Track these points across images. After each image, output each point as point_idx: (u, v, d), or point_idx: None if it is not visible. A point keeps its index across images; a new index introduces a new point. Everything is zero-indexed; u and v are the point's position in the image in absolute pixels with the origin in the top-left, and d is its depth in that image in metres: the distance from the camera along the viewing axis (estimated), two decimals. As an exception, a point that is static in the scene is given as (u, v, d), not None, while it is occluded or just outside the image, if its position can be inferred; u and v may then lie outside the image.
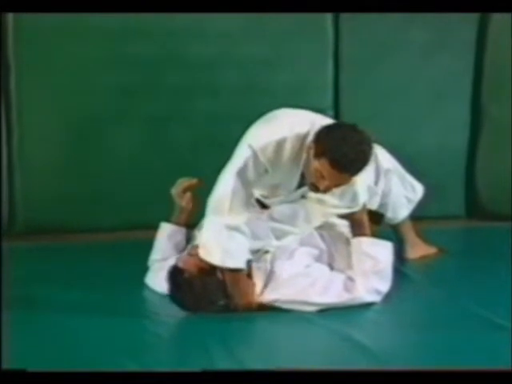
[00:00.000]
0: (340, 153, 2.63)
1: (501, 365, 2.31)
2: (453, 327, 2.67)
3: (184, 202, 3.15)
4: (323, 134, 2.71)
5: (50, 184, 3.81)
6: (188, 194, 3.16)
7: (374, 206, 3.13)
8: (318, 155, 2.68)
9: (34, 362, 2.33)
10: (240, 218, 2.77)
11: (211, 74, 3.84)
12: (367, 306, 2.82)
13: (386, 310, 2.82)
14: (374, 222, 3.05)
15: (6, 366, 2.24)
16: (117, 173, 3.84)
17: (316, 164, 2.68)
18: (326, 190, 2.76)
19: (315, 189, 2.77)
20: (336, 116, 3.81)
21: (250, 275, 2.82)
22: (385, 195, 3.18)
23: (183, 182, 3.18)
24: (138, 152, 3.85)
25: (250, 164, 2.76)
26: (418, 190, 3.32)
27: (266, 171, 2.80)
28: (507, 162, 4.05)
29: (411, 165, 3.29)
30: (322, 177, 2.69)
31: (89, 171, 3.83)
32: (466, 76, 4.07)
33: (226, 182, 2.78)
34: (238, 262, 2.77)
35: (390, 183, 3.18)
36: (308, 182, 2.80)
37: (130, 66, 3.78)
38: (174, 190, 3.18)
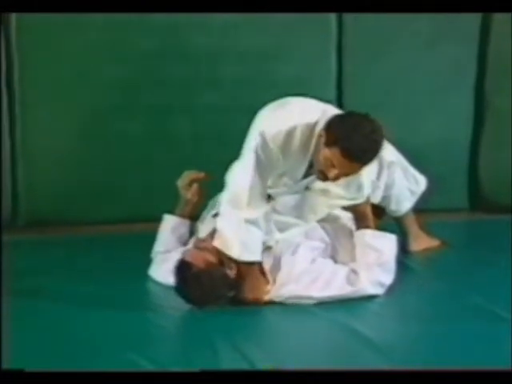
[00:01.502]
0: (352, 142, 2.62)
1: (502, 357, 2.32)
2: (455, 319, 2.68)
3: (190, 194, 3.14)
4: (335, 123, 2.69)
5: (52, 176, 3.80)
6: (195, 186, 3.14)
7: (376, 199, 3.13)
8: (329, 144, 2.66)
9: (35, 354, 2.35)
10: (258, 212, 2.76)
11: (214, 66, 3.83)
12: (370, 298, 2.82)
13: (389, 302, 2.82)
14: (375, 216, 3.05)
15: (7, 357, 2.24)
16: (119, 165, 3.83)
17: (327, 152, 2.67)
18: (334, 179, 2.75)
19: (323, 177, 2.75)
20: (339, 108, 3.79)
21: (263, 272, 2.81)
22: (388, 188, 3.18)
23: (190, 174, 3.17)
24: (140, 144, 3.84)
25: (264, 154, 2.75)
26: (420, 183, 3.31)
27: (278, 160, 2.78)
28: (511, 154, 4.04)
29: (414, 157, 3.28)
30: (333, 165, 2.67)
31: (91, 164, 3.82)
32: (469, 67, 4.05)
33: (243, 175, 2.76)
34: (254, 255, 2.76)
35: (393, 176, 3.17)
36: (316, 170, 2.78)
37: (133, 58, 3.77)
38: (181, 182, 3.17)
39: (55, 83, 3.75)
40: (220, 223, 2.78)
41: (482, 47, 4.01)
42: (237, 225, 2.74)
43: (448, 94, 4.03)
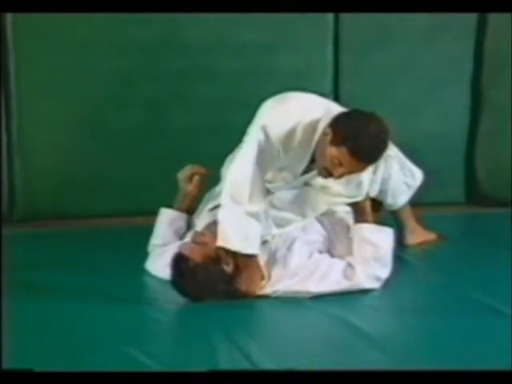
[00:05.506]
0: (361, 142, 2.63)
1: (500, 351, 2.32)
2: (452, 313, 2.68)
3: (191, 186, 3.13)
4: (342, 121, 2.70)
5: (49, 170, 3.80)
6: (197, 179, 3.12)
7: (373, 193, 3.14)
8: (336, 143, 2.66)
9: (33, 348, 2.35)
10: (259, 206, 2.76)
11: (211, 58, 3.83)
12: (366, 291, 2.82)
13: (385, 296, 2.82)
14: (372, 209, 3.05)
15: (6, 351, 2.24)
16: (116, 158, 3.84)
17: (334, 151, 2.67)
18: (339, 177, 2.76)
19: (327, 174, 2.75)
20: (336, 100, 3.79)
21: (259, 266, 2.80)
22: (385, 181, 3.18)
23: (191, 168, 3.17)
24: (137, 137, 3.84)
25: (265, 148, 2.75)
26: (417, 176, 3.32)
27: (279, 155, 2.79)
28: (507, 147, 4.05)
29: (411, 150, 3.28)
30: (340, 164, 2.68)
31: (88, 157, 3.82)
32: (466, 61, 4.05)
33: (245, 168, 2.75)
34: (254, 248, 2.75)
35: (389, 169, 3.17)
36: (319, 167, 2.78)
37: (130, 50, 3.77)
38: (181, 175, 3.16)
39: (52, 76, 3.75)
40: (221, 215, 2.76)
41: (479, 41, 4.02)
42: (238, 217, 2.72)
43: (444, 88, 4.04)
